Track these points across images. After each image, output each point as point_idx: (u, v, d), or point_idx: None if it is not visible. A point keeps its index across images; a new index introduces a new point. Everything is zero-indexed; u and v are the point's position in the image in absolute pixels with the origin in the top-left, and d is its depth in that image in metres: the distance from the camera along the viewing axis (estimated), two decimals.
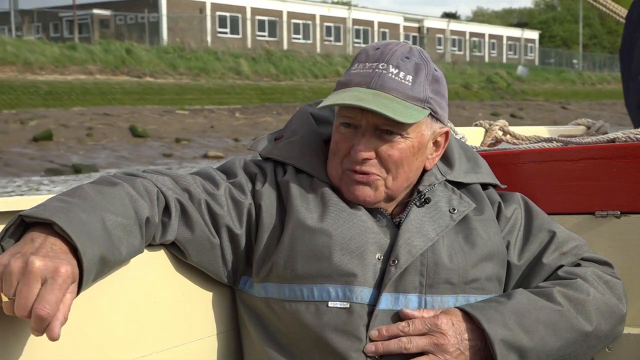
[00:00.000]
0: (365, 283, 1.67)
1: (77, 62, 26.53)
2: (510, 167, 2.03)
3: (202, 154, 19.31)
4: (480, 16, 78.19)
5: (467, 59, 53.93)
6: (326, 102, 1.70)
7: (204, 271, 1.76)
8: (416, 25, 55.05)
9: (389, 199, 1.76)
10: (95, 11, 40.33)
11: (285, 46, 43.14)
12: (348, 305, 1.65)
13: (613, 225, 1.94)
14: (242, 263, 1.76)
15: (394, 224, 1.75)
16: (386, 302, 1.67)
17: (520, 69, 45.46)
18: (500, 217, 1.84)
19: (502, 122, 2.46)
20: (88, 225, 1.44)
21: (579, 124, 2.84)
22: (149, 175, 1.69)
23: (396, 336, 1.64)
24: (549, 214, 1.91)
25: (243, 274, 1.77)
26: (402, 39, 51.10)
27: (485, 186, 1.89)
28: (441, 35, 55.51)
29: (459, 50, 56.64)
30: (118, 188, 1.58)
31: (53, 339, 1.31)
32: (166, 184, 1.68)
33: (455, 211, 1.76)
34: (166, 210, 1.66)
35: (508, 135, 2.40)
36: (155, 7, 40.23)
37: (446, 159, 1.86)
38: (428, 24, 55.45)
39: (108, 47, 28.77)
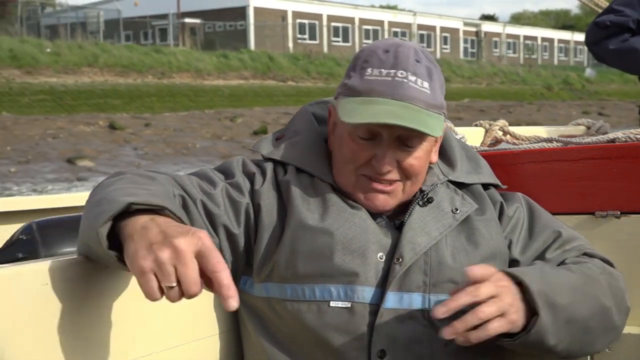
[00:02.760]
0: (367, 282, 1.62)
1: (234, 69, 29.93)
2: (510, 167, 1.99)
3: None
4: (524, 19, 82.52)
5: (521, 61, 55.12)
6: (360, 117, 1.59)
7: None
8: (474, 29, 56.50)
9: (402, 203, 1.71)
10: (187, 20, 41.64)
11: (356, 50, 47.38)
12: (349, 305, 1.61)
13: (613, 225, 1.90)
14: (242, 263, 1.70)
15: (394, 224, 1.70)
16: (391, 300, 1.62)
17: (589, 71, 47.19)
18: (503, 217, 1.78)
19: (502, 122, 2.41)
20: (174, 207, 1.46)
21: (579, 124, 2.84)
22: (152, 173, 1.64)
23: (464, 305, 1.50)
24: None
25: (243, 274, 1.72)
26: (461, 42, 54.29)
27: (486, 186, 1.83)
28: (497, 39, 57.44)
29: (514, 52, 58.21)
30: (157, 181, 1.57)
31: (234, 307, 1.29)
32: (168, 180, 1.64)
33: (458, 211, 1.71)
34: None
35: (508, 135, 2.37)
36: (242, 16, 42.58)
37: (448, 160, 1.81)
38: (485, 28, 57.18)
39: (252, 55, 32.11)
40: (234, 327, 1.79)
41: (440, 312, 1.48)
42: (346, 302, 1.62)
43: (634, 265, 1.87)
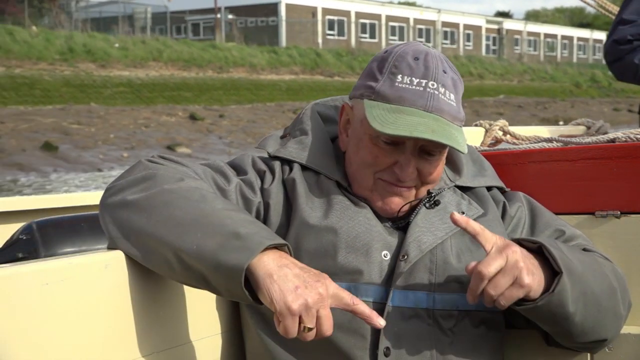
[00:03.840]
0: (370, 280, 1.62)
1: (284, 64, 31.41)
2: (510, 167, 1.98)
3: None
4: (542, 16, 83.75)
5: (541, 58, 55.97)
6: (394, 129, 1.57)
7: None
8: (496, 27, 57.11)
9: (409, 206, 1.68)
10: (220, 15, 43.66)
11: (383, 47, 48.47)
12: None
13: (613, 225, 1.88)
14: None
15: (399, 225, 1.69)
16: (397, 298, 1.62)
17: None
18: (505, 216, 1.78)
19: (502, 122, 2.39)
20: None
21: (579, 124, 2.83)
22: (183, 168, 1.63)
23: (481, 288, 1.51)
24: None
25: None
26: (484, 40, 55.20)
27: (489, 187, 1.82)
28: (518, 36, 58.04)
29: (534, 50, 58.96)
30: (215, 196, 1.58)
31: (383, 324, 1.48)
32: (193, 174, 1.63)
33: (464, 215, 1.69)
34: None
35: (508, 135, 2.35)
36: (274, 12, 43.71)
37: (453, 165, 1.80)
38: (507, 25, 57.74)
39: (300, 51, 33.53)
40: (236, 326, 1.78)
41: (471, 302, 1.55)
42: None
43: (634, 265, 1.85)
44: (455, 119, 1.63)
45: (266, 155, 1.78)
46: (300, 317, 1.42)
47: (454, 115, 1.63)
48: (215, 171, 1.70)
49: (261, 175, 1.72)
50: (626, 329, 1.77)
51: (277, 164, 1.74)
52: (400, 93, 1.62)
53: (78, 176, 15.41)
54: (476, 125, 2.44)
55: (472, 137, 2.33)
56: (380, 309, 1.62)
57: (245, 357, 1.76)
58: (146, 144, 18.66)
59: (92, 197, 2.74)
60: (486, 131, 2.40)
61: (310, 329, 1.43)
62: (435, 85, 1.62)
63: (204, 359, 1.70)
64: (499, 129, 2.37)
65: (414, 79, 1.63)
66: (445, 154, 1.69)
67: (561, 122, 23.88)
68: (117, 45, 27.20)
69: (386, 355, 1.61)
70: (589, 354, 1.80)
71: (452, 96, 1.64)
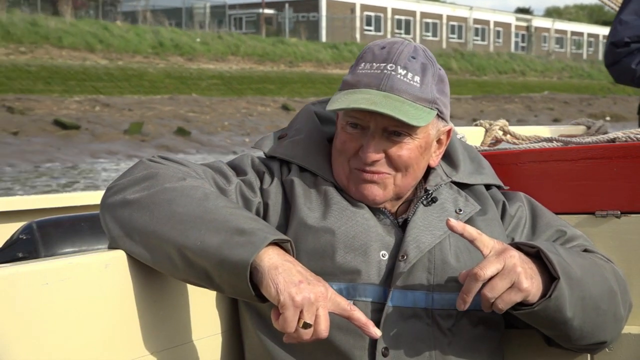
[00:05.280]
0: (369, 280, 1.61)
1: (347, 60, 32.82)
2: (510, 167, 1.97)
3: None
4: (566, 14, 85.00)
5: (568, 56, 56.91)
6: (338, 104, 1.60)
7: None
8: (525, 24, 58.27)
9: (397, 197, 1.68)
10: (265, 10, 43.95)
11: (417, 42, 50.38)
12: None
13: (613, 225, 1.88)
14: None
15: (397, 223, 1.67)
16: (395, 298, 1.61)
17: None
18: (505, 216, 1.76)
19: (502, 122, 2.39)
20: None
21: (579, 124, 2.83)
22: (185, 168, 1.63)
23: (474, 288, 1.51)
24: None
25: None
26: (513, 37, 55.07)
27: (488, 186, 1.80)
28: (546, 34, 59.11)
29: (561, 47, 59.79)
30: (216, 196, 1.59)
31: (378, 334, 1.49)
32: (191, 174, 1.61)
33: (462, 212, 1.69)
34: None
35: (508, 135, 2.34)
36: (315, 8, 45.10)
37: (450, 161, 1.78)
38: (535, 23, 58.82)
39: (359, 47, 34.35)
40: (235, 326, 1.77)
41: (461, 307, 1.52)
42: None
43: (634, 265, 1.84)
44: (418, 99, 1.62)
45: (263, 156, 1.78)
46: (300, 312, 1.41)
47: (414, 95, 1.62)
48: (216, 171, 1.69)
49: (260, 175, 1.72)
50: (626, 329, 1.77)
51: (275, 165, 1.74)
52: (359, 78, 1.64)
53: (222, 158, 17.63)
54: (476, 125, 2.43)
55: (472, 136, 2.31)
56: (378, 308, 1.62)
57: (244, 357, 1.75)
58: (257, 131, 19.80)
59: (92, 197, 2.81)
60: (486, 131, 2.38)
61: (308, 326, 1.42)
62: (393, 67, 1.63)
63: (203, 359, 1.70)
64: (499, 129, 2.35)
65: (374, 64, 1.65)
66: (419, 140, 1.66)
67: (607, 118, 25.87)
68: (198, 40, 29.18)
69: (384, 355, 1.61)
70: (589, 355, 1.80)
71: (417, 78, 1.63)
